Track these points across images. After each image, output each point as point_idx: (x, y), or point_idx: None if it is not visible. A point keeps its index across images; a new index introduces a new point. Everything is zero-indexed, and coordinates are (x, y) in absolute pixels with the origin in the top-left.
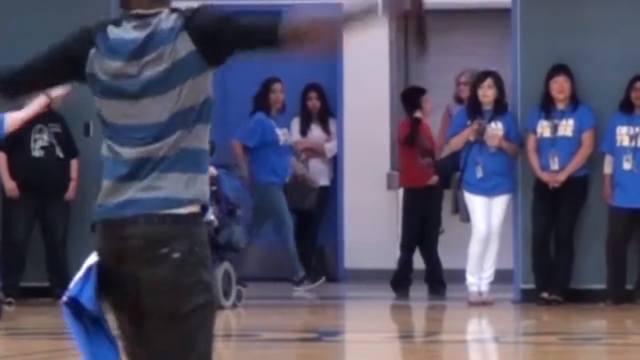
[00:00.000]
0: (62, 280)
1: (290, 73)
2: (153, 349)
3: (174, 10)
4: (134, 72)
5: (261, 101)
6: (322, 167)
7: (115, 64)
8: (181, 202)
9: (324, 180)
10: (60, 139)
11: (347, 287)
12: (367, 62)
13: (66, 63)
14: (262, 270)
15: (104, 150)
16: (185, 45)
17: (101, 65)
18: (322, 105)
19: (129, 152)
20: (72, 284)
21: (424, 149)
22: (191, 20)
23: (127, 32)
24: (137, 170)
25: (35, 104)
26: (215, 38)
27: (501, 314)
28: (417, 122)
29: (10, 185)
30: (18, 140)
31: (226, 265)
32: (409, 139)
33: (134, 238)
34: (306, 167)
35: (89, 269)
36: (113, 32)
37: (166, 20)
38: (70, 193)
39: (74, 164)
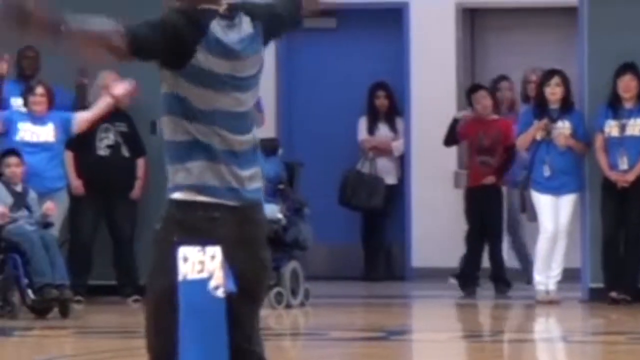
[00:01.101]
0: (129, 278)
1: (356, 71)
2: (243, 331)
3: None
4: (242, 71)
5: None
6: (390, 165)
7: (230, 63)
8: None
9: (391, 179)
10: (126, 137)
11: (414, 286)
12: (433, 60)
13: (177, 43)
14: (329, 269)
15: (208, 139)
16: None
17: (212, 60)
18: (390, 104)
19: (237, 140)
20: (220, 280)
21: (481, 148)
22: (264, 24)
23: (226, 33)
24: (246, 158)
25: (102, 104)
26: (277, 35)
27: (569, 313)
28: (455, 122)
29: (76, 184)
30: (84, 139)
31: (294, 263)
32: (446, 139)
33: (262, 222)
34: (374, 166)
35: (213, 257)
36: (216, 30)
37: (245, 22)
38: (136, 192)
39: (140, 162)
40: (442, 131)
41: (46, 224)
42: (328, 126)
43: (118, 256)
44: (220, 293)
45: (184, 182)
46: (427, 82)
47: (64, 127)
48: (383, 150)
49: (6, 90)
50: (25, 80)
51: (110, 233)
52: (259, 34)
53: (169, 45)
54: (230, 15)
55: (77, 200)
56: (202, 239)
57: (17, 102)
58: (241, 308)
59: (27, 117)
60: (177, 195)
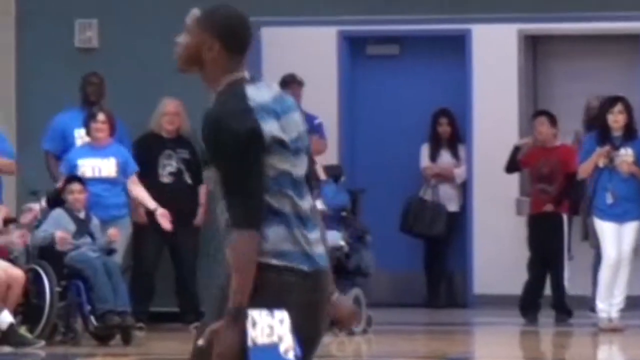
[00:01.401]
0: (191, 305)
1: (419, 98)
2: None
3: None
4: (290, 131)
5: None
6: (452, 192)
7: (277, 123)
8: None
9: (453, 206)
10: (189, 165)
11: (476, 313)
12: (495, 86)
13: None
14: (391, 296)
15: (280, 204)
16: None
17: (280, 128)
18: (452, 131)
19: (303, 204)
20: (290, 343)
21: (541, 175)
22: None
23: (261, 94)
24: (312, 222)
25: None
26: None
27: (632, 341)
28: (517, 149)
29: (140, 212)
30: (147, 167)
31: (356, 290)
32: (507, 166)
33: (328, 288)
34: (436, 193)
35: (281, 321)
36: (255, 95)
37: (270, 83)
38: (199, 219)
39: (202, 189)
40: (504, 158)
41: (109, 251)
42: (390, 153)
43: (180, 283)
44: (290, 356)
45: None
46: (489, 108)
47: (124, 170)
48: (445, 177)
49: (66, 120)
50: (88, 106)
51: (172, 260)
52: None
53: (253, 165)
54: (254, 78)
55: (140, 227)
56: (271, 304)
57: (79, 133)
58: None
59: (88, 151)
60: None
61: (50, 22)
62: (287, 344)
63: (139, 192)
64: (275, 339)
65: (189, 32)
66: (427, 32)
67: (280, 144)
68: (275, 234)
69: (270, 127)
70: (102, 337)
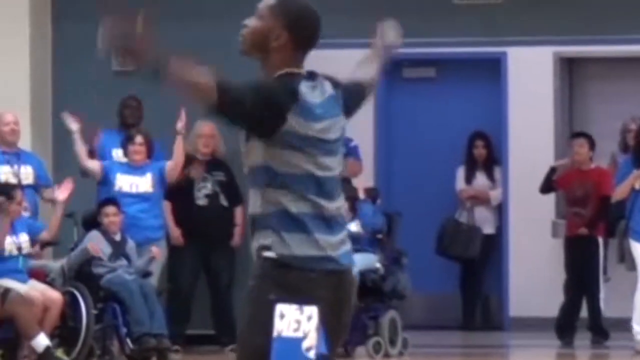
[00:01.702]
0: (227, 327)
1: (455, 121)
2: None
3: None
4: (328, 133)
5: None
6: (487, 214)
7: (318, 125)
8: None
9: (489, 228)
10: (224, 186)
11: (511, 335)
12: (531, 109)
13: (269, 110)
14: (427, 318)
15: (298, 209)
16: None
17: (303, 123)
18: (488, 153)
19: (328, 206)
20: (314, 341)
21: (575, 198)
22: (344, 91)
23: (313, 94)
24: (338, 222)
25: (179, 147)
26: (352, 108)
27: None
28: (552, 170)
29: (176, 234)
30: (183, 189)
31: (392, 313)
32: (542, 186)
33: (353, 284)
34: (472, 215)
35: (309, 317)
36: (304, 92)
37: (326, 84)
38: (236, 240)
39: (238, 211)
40: (540, 180)
41: (145, 274)
42: (426, 175)
43: (216, 305)
44: (311, 355)
45: (278, 249)
46: (525, 131)
47: (160, 176)
48: (481, 200)
49: (105, 141)
50: (126, 129)
51: (208, 282)
52: (340, 98)
53: (261, 109)
54: (312, 77)
55: (176, 249)
56: (300, 299)
57: (117, 154)
58: None
59: (126, 168)
60: (271, 254)
61: (86, 40)
62: (311, 342)
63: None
64: (300, 334)
65: (259, 16)
66: (463, 55)
67: (316, 141)
68: (294, 240)
69: (304, 122)
70: (139, 359)
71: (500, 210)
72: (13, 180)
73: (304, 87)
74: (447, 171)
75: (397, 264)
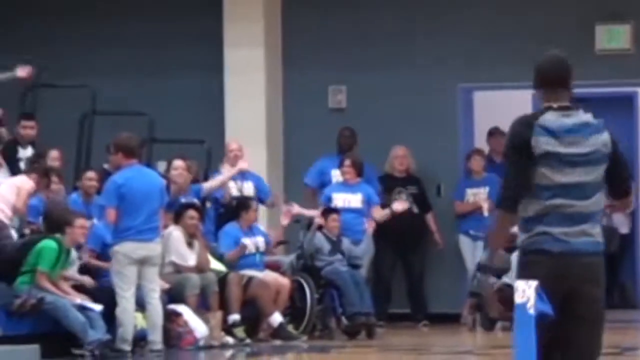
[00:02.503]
0: (420, 307)
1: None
2: (577, 349)
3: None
4: (572, 147)
5: None
6: (623, 219)
7: (555, 142)
8: None
9: (625, 229)
10: (416, 198)
11: None
12: None
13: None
14: None
15: (542, 210)
16: (606, 144)
17: (559, 144)
18: None
19: (579, 204)
20: (532, 302)
21: None
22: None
23: (556, 120)
24: (582, 216)
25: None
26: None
27: None
28: None
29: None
30: (383, 199)
31: None
32: None
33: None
34: (610, 220)
35: (537, 290)
36: (546, 119)
37: (584, 115)
38: (437, 239)
39: (429, 216)
40: None
41: (355, 265)
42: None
43: (411, 289)
44: (531, 311)
45: (523, 243)
46: None
47: (369, 200)
48: (618, 207)
49: (325, 164)
50: (342, 153)
51: (405, 271)
52: (600, 130)
53: (522, 167)
54: (567, 107)
55: (379, 247)
56: (527, 276)
57: (335, 173)
58: (573, 331)
59: (341, 187)
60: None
61: (309, 87)
62: (531, 302)
63: (376, 214)
64: (525, 299)
65: None
66: (595, 94)
67: (555, 157)
68: (534, 230)
69: (543, 143)
70: (351, 334)
71: (634, 215)
72: (237, 193)
73: (549, 115)
74: None
75: None
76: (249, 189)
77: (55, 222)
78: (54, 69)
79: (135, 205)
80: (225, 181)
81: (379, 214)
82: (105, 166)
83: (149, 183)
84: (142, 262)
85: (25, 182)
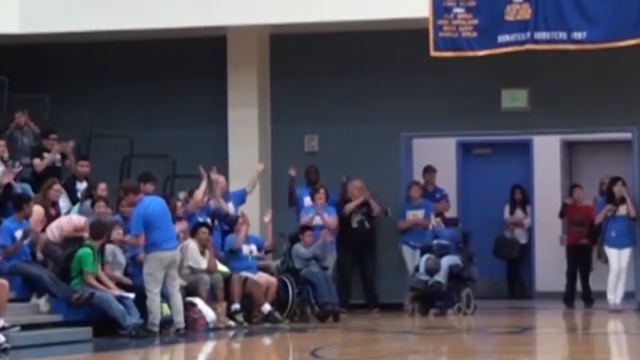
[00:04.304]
0: (373, 298)
1: (504, 179)
2: None
3: None
4: None
5: None
6: (522, 233)
7: None
8: None
9: (523, 240)
10: (368, 217)
11: (538, 302)
12: (548, 175)
13: None
14: (484, 291)
15: None
16: None
17: None
18: (523, 197)
19: None
20: None
21: (575, 221)
22: None
23: None
24: None
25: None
26: None
27: (627, 317)
28: (564, 204)
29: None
30: (344, 219)
31: (468, 289)
32: (559, 214)
33: None
34: (513, 233)
35: None
36: None
37: None
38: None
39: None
40: (555, 212)
41: (324, 268)
42: (486, 210)
43: (366, 285)
44: None
45: None
46: (544, 184)
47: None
48: (518, 224)
49: (300, 193)
50: (311, 184)
51: (361, 272)
52: None
53: None
54: None
55: (340, 253)
56: None
57: (307, 199)
58: None
59: (313, 210)
60: None
61: (290, 136)
62: None
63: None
64: None
65: None
66: (507, 140)
67: None
68: None
69: None
70: (322, 318)
71: (530, 230)
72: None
73: None
74: (500, 207)
75: (470, 261)
76: (232, 208)
77: (99, 230)
78: (103, 122)
79: (156, 224)
80: (202, 190)
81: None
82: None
83: (160, 205)
84: (168, 266)
85: (79, 219)
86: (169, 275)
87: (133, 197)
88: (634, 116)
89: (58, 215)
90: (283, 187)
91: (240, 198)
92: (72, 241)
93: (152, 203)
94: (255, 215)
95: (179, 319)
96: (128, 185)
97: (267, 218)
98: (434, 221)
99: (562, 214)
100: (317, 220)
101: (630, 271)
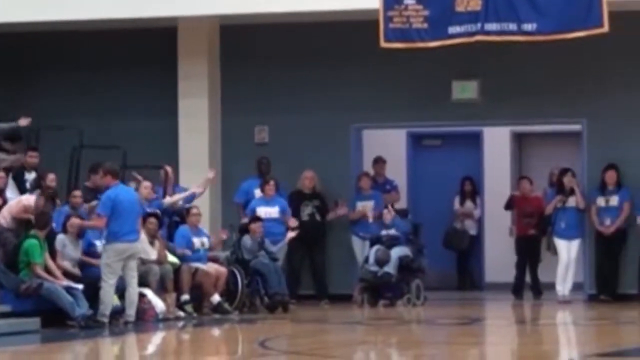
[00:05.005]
0: (322, 289)
1: (454, 171)
2: None
3: None
4: None
5: None
6: (472, 224)
7: None
8: None
9: (473, 231)
10: (318, 209)
11: (487, 293)
12: (498, 165)
13: None
14: (434, 282)
15: None
16: None
17: None
18: (473, 188)
19: None
20: None
21: (524, 212)
22: None
23: None
24: None
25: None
26: None
27: (576, 308)
28: (511, 196)
29: (290, 236)
30: (294, 211)
31: (417, 281)
32: (505, 206)
33: None
34: (463, 224)
35: None
36: None
37: None
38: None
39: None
40: (502, 203)
41: (274, 259)
42: (437, 201)
43: (315, 276)
44: None
45: None
46: (494, 175)
47: (283, 211)
48: (468, 215)
49: (248, 185)
50: (262, 176)
51: (311, 263)
52: None
53: None
54: None
55: (291, 246)
56: None
57: (257, 191)
58: None
59: (262, 202)
60: None
61: (240, 127)
62: None
63: (291, 222)
64: None
65: None
66: (458, 132)
67: None
68: None
69: None
70: (271, 309)
71: (480, 221)
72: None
73: None
74: (450, 198)
75: (420, 252)
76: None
77: (43, 219)
78: (52, 113)
79: (122, 214)
80: (180, 199)
81: (293, 222)
82: (87, 184)
83: (131, 197)
84: (127, 258)
85: (28, 199)
86: (127, 267)
87: (111, 181)
88: (583, 108)
89: (5, 203)
90: (232, 178)
91: (188, 200)
92: (23, 223)
93: (124, 192)
94: (205, 209)
95: (131, 312)
96: (110, 167)
97: (211, 174)
98: (389, 214)
99: (508, 206)
100: (266, 213)
101: (579, 262)
